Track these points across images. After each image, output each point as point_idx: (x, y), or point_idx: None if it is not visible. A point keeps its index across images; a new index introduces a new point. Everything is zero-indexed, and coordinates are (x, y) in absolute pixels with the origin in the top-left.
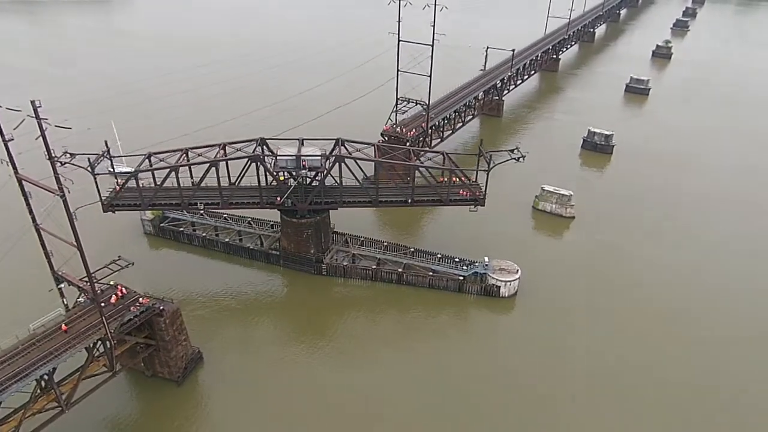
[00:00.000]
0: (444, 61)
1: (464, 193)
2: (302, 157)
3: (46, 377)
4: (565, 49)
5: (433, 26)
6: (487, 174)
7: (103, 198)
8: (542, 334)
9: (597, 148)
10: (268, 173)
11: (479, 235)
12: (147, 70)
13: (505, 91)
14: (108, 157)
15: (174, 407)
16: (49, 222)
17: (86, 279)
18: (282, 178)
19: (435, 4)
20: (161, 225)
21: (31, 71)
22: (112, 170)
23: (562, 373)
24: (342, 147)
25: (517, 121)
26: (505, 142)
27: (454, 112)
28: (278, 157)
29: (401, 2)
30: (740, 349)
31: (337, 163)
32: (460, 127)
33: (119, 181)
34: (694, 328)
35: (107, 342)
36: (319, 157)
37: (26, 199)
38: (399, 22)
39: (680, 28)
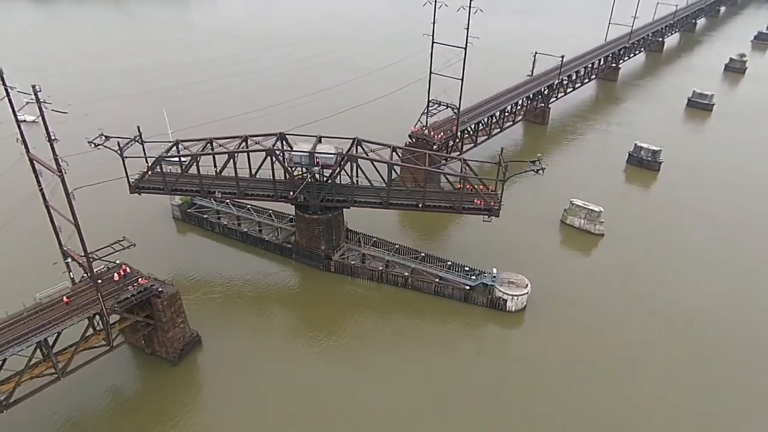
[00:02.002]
0: (485, 65)
1: (479, 202)
2: (316, 155)
3: (44, 344)
4: (626, 58)
5: (467, 29)
6: (503, 184)
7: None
8: (543, 356)
9: (643, 163)
10: (282, 168)
11: (498, 245)
12: (205, 60)
13: (553, 99)
14: (140, 141)
15: (165, 386)
16: (54, 200)
17: (91, 255)
18: (299, 174)
19: (470, 7)
20: (188, 211)
21: (102, 58)
22: (145, 154)
23: (558, 398)
24: (359, 147)
25: (563, 131)
26: (544, 152)
27: (490, 117)
28: (293, 153)
29: (437, 3)
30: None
31: (353, 163)
32: (497, 133)
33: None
34: (719, 365)
35: (105, 317)
36: (333, 155)
37: (37, 178)
38: (434, 23)
39: (762, 41)
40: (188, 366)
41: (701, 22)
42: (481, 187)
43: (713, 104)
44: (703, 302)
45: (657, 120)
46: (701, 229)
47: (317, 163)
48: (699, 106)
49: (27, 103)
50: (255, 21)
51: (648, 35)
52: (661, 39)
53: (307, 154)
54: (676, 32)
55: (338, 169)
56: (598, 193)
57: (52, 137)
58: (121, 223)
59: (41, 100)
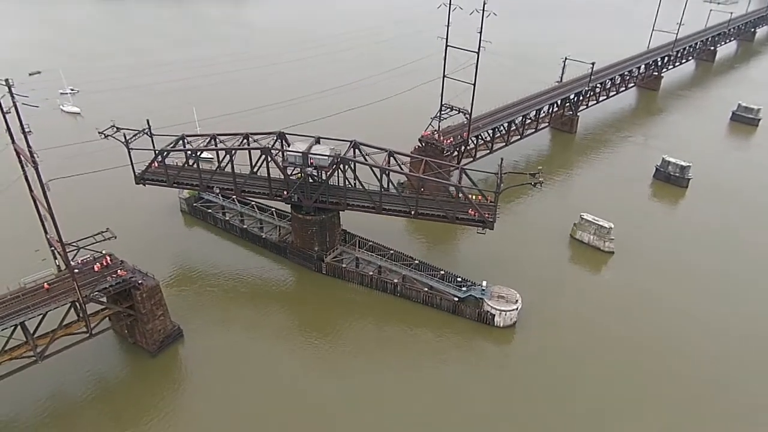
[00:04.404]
0: (511, 71)
1: (473, 213)
2: (309, 155)
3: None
4: (670, 67)
5: (480, 33)
6: (497, 196)
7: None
8: (527, 381)
9: (670, 179)
10: (277, 167)
11: (499, 256)
12: (246, 55)
13: (582, 107)
14: (148, 134)
15: (143, 376)
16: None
17: (73, 244)
18: (299, 175)
19: (483, 10)
20: (194, 204)
21: (149, 51)
22: (153, 146)
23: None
24: (357, 150)
25: (592, 140)
26: (569, 162)
27: (509, 123)
28: (287, 153)
29: (451, 6)
30: None
31: (347, 166)
32: (517, 140)
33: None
34: (721, 403)
35: (81, 305)
36: (327, 157)
37: (23, 168)
38: (447, 26)
39: None
40: (168, 358)
41: (762, 30)
42: (479, 197)
43: (759, 119)
44: (717, 337)
45: (696, 134)
46: (725, 255)
47: (311, 163)
48: (744, 120)
49: (61, 93)
50: (302, 18)
51: (696, 44)
52: (713, 48)
53: (301, 154)
54: (731, 41)
55: (331, 170)
56: (616, 208)
57: (27, 129)
58: (131, 214)
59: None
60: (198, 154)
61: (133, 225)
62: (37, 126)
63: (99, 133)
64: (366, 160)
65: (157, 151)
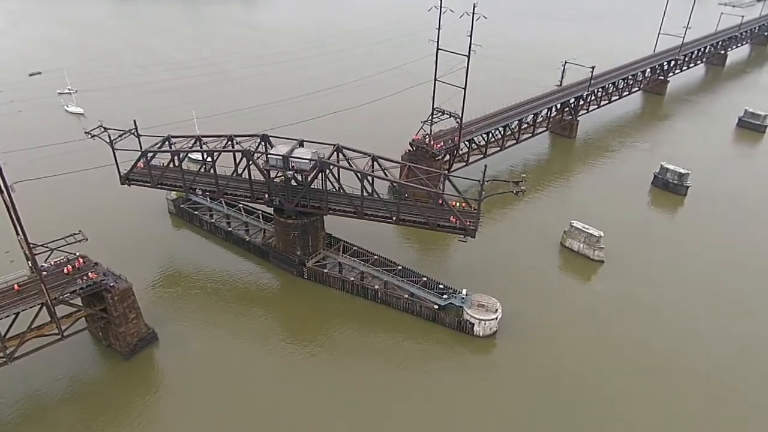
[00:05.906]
0: (509, 75)
1: (454, 220)
2: (290, 159)
3: None
4: (677, 71)
5: (470, 36)
6: (479, 204)
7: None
8: (503, 396)
9: (668, 186)
10: (257, 169)
11: (486, 264)
12: (245, 54)
13: (582, 111)
14: (135, 134)
15: (115, 379)
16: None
17: (44, 246)
18: (282, 177)
19: (473, 13)
20: (181, 206)
21: (153, 50)
22: (140, 146)
23: None
24: (340, 154)
25: (592, 146)
26: (567, 167)
27: (504, 128)
28: (269, 156)
29: (441, 9)
30: None
31: (327, 170)
32: (512, 145)
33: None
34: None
35: (50, 307)
36: (308, 161)
37: None
38: (438, 29)
39: None
40: (142, 361)
41: None
42: (464, 204)
43: (767, 125)
44: (705, 350)
45: (700, 140)
46: (719, 265)
47: (292, 167)
48: (750, 126)
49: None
50: (307, 19)
51: (704, 48)
52: (723, 52)
53: (282, 157)
54: (743, 45)
55: (313, 174)
56: (610, 216)
57: None
58: (119, 214)
59: None
60: (182, 155)
61: (120, 225)
62: (38, 127)
63: (86, 133)
64: (349, 164)
65: (141, 152)
